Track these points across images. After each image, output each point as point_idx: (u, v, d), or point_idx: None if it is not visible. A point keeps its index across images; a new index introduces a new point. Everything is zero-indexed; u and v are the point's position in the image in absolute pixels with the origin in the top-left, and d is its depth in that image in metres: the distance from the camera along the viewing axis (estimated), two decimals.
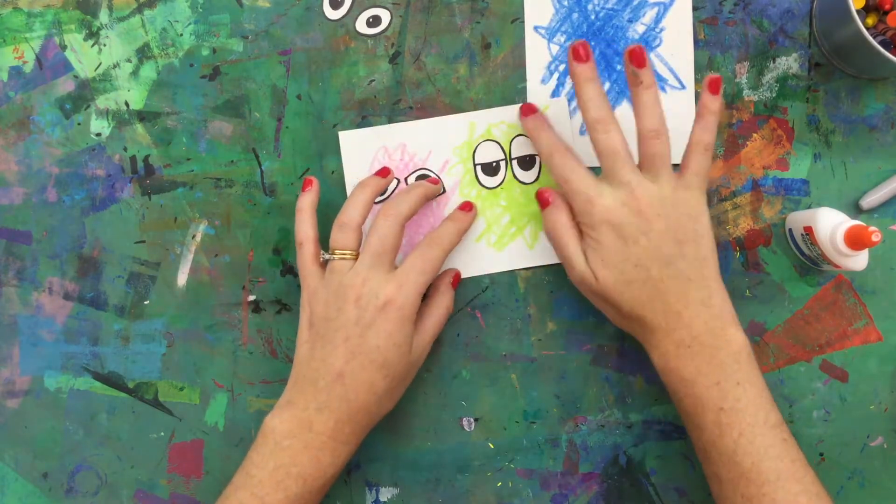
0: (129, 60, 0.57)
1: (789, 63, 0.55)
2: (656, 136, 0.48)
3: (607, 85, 0.55)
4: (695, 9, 0.55)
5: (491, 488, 0.56)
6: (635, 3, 0.55)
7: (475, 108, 0.56)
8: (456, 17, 0.56)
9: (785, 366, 0.55)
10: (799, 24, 0.55)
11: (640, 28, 0.55)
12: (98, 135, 0.57)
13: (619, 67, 0.55)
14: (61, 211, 0.57)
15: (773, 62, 0.55)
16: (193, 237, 0.57)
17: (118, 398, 0.57)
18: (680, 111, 0.55)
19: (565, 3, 0.56)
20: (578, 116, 0.56)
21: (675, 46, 0.55)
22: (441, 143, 0.55)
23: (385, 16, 0.56)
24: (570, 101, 0.56)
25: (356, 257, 0.50)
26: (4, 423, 0.57)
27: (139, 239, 0.57)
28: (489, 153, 0.55)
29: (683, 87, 0.55)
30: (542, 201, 0.52)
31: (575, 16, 0.55)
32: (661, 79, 0.55)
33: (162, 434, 0.57)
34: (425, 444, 0.56)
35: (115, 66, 0.57)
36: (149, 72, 0.57)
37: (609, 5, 0.55)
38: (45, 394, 0.57)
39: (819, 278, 0.55)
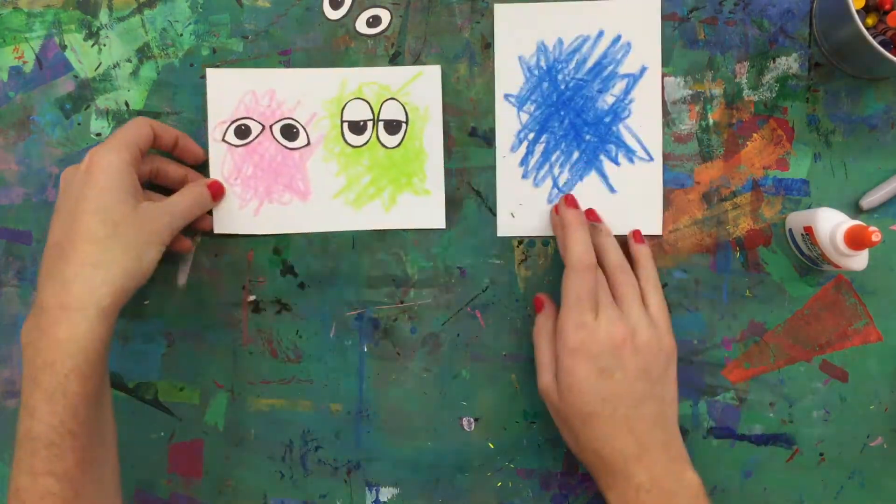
0: (129, 60, 0.57)
1: (789, 63, 0.55)
2: (622, 272, 0.50)
3: (576, 154, 0.55)
4: (695, 9, 0.55)
5: (491, 488, 0.56)
6: (605, 74, 0.55)
7: (475, 109, 0.56)
8: (456, 17, 0.56)
9: (785, 366, 0.55)
10: (799, 24, 0.55)
11: (609, 99, 0.55)
12: (98, 135, 0.57)
13: (587, 137, 0.55)
14: None
15: (773, 62, 0.55)
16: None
17: (118, 398, 0.57)
18: (647, 181, 0.55)
19: (535, 73, 0.55)
20: (546, 185, 0.56)
21: (644, 117, 0.55)
22: (311, 95, 0.56)
23: (385, 16, 0.56)
24: (538, 170, 0.56)
25: None
26: (4, 423, 0.57)
27: None
28: (358, 112, 0.56)
29: (651, 158, 0.55)
30: (538, 304, 0.53)
31: (545, 85, 0.55)
32: (629, 150, 0.55)
33: (162, 434, 0.57)
34: (425, 444, 0.56)
35: (115, 66, 0.57)
36: (149, 72, 0.57)
37: (579, 76, 0.55)
38: None
39: (819, 278, 0.55)
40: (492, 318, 0.56)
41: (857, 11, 0.49)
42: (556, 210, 0.54)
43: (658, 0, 0.55)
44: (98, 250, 0.46)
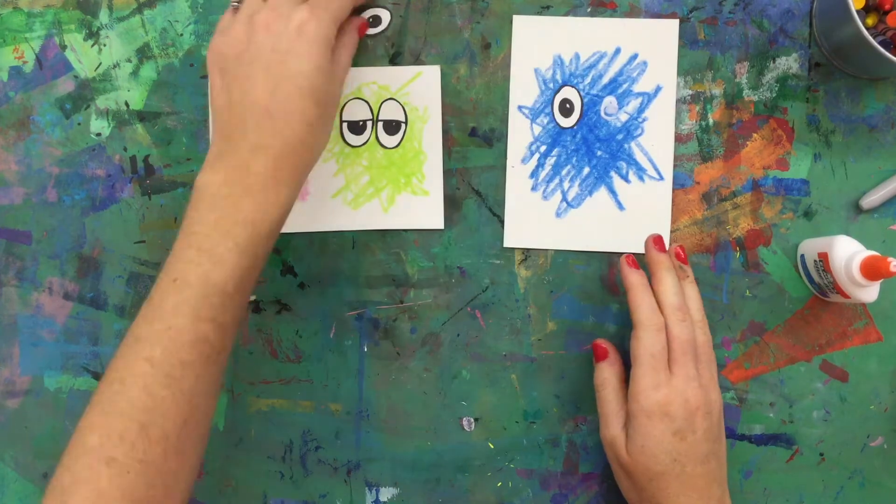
0: (129, 60, 0.57)
1: (789, 63, 0.55)
2: (700, 328, 0.50)
3: (586, 170, 0.55)
4: (695, 9, 0.55)
5: (491, 488, 0.56)
6: (620, 91, 0.55)
7: (475, 109, 0.56)
8: (456, 17, 0.56)
9: (785, 366, 0.55)
10: (799, 24, 0.55)
11: (623, 116, 0.55)
12: (98, 135, 0.57)
13: (599, 153, 0.55)
14: (61, 211, 0.57)
15: (773, 62, 0.55)
16: None
17: None
18: (656, 200, 0.55)
19: (551, 86, 0.56)
20: (555, 199, 0.56)
21: (657, 137, 0.55)
22: None
23: (385, 16, 0.56)
24: (547, 183, 0.55)
25: None
26: (4, 423, 0.57)
27: (139, 239, 0.57)
28: (357, 112, 0.56)
29: (661, 177, 0.55)
30: (600, 353, 0.52)
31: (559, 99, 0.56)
32: (640, 168, 0.55)
33: None
34: (425, 444, 0.56)
35: (115, 66, 0.57)
36: (149, 72, 0.57)
37: (594, 91, 0.55)
38: (45, 394, 0.57)
39: None
40: (492, 318, 0.56)
41: (857, 11, 0.49)
42: (626, 260, 0.51)
43: (676, 22, 0.55)
44: (309, 132, 0.47)
